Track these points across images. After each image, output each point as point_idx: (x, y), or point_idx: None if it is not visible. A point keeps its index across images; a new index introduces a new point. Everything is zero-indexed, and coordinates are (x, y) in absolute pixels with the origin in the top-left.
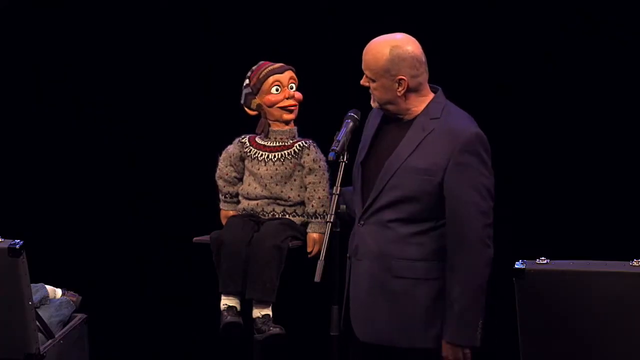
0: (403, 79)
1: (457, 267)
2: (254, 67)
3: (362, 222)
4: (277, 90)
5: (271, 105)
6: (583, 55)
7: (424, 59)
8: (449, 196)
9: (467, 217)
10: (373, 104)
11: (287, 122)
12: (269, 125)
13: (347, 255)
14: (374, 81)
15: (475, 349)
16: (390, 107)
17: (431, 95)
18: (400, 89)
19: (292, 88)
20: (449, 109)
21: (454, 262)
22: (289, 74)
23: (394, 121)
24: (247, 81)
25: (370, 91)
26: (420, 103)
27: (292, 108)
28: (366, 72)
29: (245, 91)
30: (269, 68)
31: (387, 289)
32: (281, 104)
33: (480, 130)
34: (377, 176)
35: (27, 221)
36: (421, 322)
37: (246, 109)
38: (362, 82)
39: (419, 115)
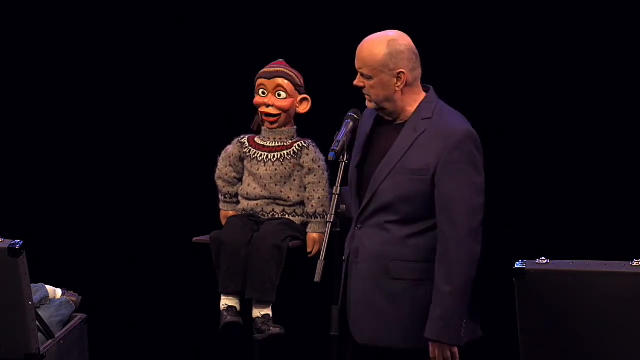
0: (402, 72)
1: (446, 263)
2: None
3: (359, 226)
4: (262, 93)
5: (257, 107)
6: (583, 55)
7: (417, 52)
8: (438, 193)
9: (457, 214)
10: (369, 105)
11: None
12: (262, 124)
13: (343, 257)
14: (371, 78)
15: (460, 349)
16: (387, 105)
17: (423, 95)
18: (399, 83)
19: (279, 96)
20: (440, 108)
21: (443, 258)
22: (276, 81)
23: (387, 123)
24: None
25: (365, 91)
26: (413, 102)
27: (269, 119)
28: (362, 70)
29: None
30: (263, 70)
31: (385, 291)
32: (261, 109)
33: (471, 128)
34: (371, 179)
35: (27, 221)
36: (419, 324)
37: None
38: (356, 82)
39: (411, 116)
